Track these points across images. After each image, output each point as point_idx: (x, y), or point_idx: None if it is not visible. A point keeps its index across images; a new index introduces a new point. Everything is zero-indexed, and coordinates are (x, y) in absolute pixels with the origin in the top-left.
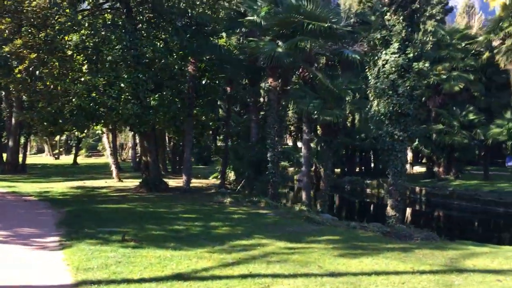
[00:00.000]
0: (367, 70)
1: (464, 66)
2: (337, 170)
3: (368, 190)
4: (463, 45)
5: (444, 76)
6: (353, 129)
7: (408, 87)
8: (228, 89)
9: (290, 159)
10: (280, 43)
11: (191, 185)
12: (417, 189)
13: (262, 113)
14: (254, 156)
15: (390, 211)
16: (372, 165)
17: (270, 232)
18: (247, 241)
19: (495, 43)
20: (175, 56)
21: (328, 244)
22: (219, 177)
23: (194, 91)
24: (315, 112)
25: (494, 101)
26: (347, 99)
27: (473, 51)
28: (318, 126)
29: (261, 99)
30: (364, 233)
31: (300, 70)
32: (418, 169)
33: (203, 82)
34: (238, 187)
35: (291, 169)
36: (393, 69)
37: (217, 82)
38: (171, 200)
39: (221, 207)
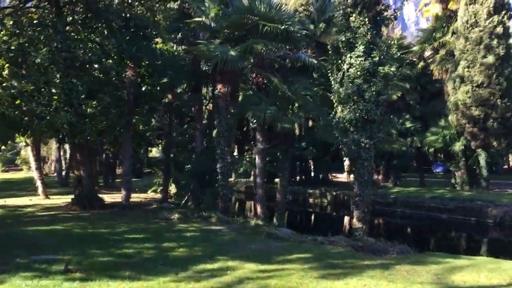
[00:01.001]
0: (329, 75)
1: (400, 75)
2: (277, 180)
3: (311, 200)
4: (399, 54)
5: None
6: (293, 137)
7: (374, 92)
8: (170, 96)
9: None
10: (231, 46)
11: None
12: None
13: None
14: (199, 168)
15: (356, 223)
16: (312, 174)
17: (232, 252)
18: (212, 264)
19: (427, 53)
20: (112, 60)
21: (302, 263)
22: (158, 190)
23: (134, 98)
24: (272, 119)
25: (428, 109)
26: (304, 105)
27: (408, 60)
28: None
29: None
30: (334, 248)
31: (254, 75)
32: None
33: (143, 88)
34: (183, 201)
35: (231, 179)
36: (359, 73)
37: (157, 88)
38: (110, 219)
39: (169, 225)
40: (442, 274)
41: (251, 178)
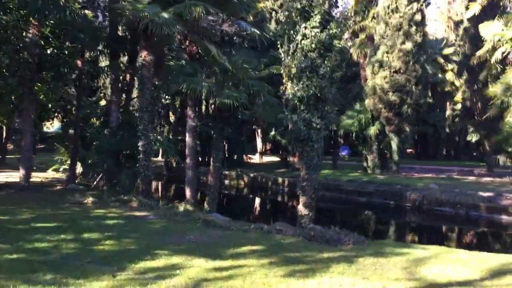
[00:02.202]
0: (278, 46)
1: None
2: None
3: (227, 182)
4: None
5: None
6: (231, 114)
7: (328, 68)
8: (79, 62)
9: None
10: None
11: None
12: (280, 179)
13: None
14: (115, 145)
15: (303, 209)
16: (227, 155)
17: (171, 244)
18: (154, 261)
19: (346, 36)
20: (11, 15)
21: (258, 258)
22: (61, 170)
23: (37, 61)
24: (210, 93)
25: (344, 92)
26: (245, 80)
27: None
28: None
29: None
30: (284, 238)
31: (187, 43)
32: (267, 159)
33: (49, 51)
34: (94, 183)
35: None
36: (313, 46)
37: (66, 52)
38: (9, 202)
39: (83, 210)
40: (409, 268)
41: (160, 157)
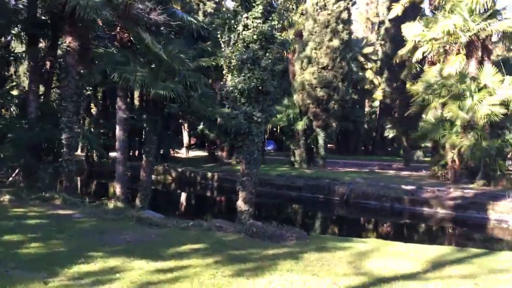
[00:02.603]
0: (218, 36)
1: None
2: (113, 154)
3: (154, 177)
4: None
5: None
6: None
7: (270, 61)
8: None
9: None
10: None
11: None
12: (209, 174)
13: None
14: (34, 138)
15: (242, 205)
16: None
17: (105, 244)
18: (88, 264)
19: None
20: None
21: (202, 257)
22: None
23: None
24: (144, 84)
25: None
26: (182, 70)
27: None
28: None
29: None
30: (226, 235)
31: (118, 30)
32: (194, 153)
33: None
34: (9, 179)
35: None
36: (255, 37)
37: None
38: None
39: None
40: (354, 262)
41: (79, 152)
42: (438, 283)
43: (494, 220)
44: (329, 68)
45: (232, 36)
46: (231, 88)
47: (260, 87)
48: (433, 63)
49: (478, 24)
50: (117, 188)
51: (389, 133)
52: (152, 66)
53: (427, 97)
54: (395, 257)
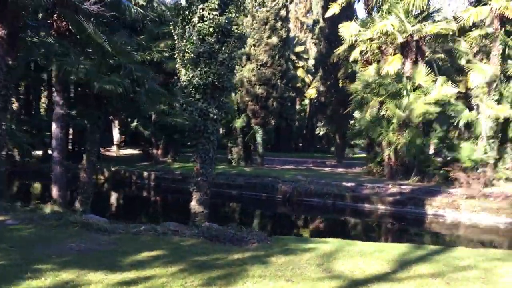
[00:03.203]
0: (171, 27)
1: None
2: (39, 153)
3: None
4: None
5: (167, 54)
6: (108, 102)
7: (227, 55)
8: None
9: None
10: None
11: None
12: (145, 173)
13: None
14: None
15: (196, 207)
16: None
17: (52, 255)
18: (38, 279)
19: None
20: None
21: (165, 266)
22: None
23: None
24: (87, 78)
25: None
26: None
27: None
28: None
29: None
30: (184, 240)
31: (55, 18)
32: (125, 151)
33: None
34: None
35: None
36: (211, 29)
37: None
38: None
39: None
40: (324, 264)
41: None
42: (411, 283)
43: (431, 214)
44: (268, 65)
45: (186, 28)
46: (184, 83)
47: (216, 83)
48: (368, 63)
49: (413, 25)
50: (54, 190)
51: (320, 131)
52: (92, 58)
53: (365, 96)
54: (361, 257)
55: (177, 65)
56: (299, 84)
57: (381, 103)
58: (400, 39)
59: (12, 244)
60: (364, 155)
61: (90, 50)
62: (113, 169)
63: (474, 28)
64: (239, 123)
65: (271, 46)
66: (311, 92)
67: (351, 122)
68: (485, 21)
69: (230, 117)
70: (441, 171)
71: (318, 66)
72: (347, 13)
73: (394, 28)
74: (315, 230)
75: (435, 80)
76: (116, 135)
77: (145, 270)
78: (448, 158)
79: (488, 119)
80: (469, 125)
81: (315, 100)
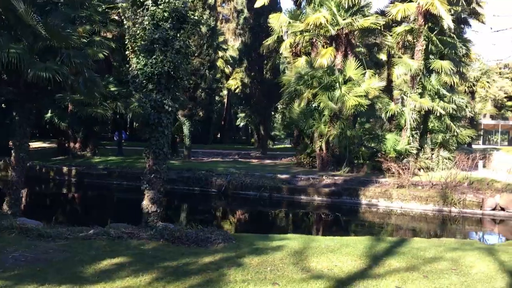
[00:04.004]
0: (88, 12)
1: (105, 31)
2: None
3: None
4: (104, 8)
5: (85, 40)
6: (42, 91)
7: (183, 42)
8: None
9: None
10: None
11: None
12: (65, 169)
13: None
14: None
15: (150, 206)
16: None
17: (0, 268)
18: None
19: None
20: None
21: (135, 275)
22: None
23: None
24: (19, 63)
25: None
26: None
27: (113, 17)
28: None
29: None
30: (143, 243)
31: None
32: (36, 144)
33: None
34: None
35: None
36: (166, 14)
37: None
38: None
39: None
40: (299, 263)
41: None
42: (392, 278)
43: (365, 204)
44: (196, 55)
45: (138, 12)
46: (136, 72)
47: (172, 72)
48: (297, 55)
49: (344, 19)
50: None
51: (241, 122)
52: (25, 42)
53: (298, 88)
54: (331, 253)
55: (127, 52)
56: (218, 75)
57: (314, 95)
58: (332, 32)
59: None
60: (281, 146)
61: (15, 33)
62: (27, 164)
63: (395, 24)
64: None
65: (199, 35)
66: (232, 83)
67: (274, 114)
68: (410, 17)
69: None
70: (369, 162)
71: (242, 57)
72: (271, 3)
73: (327, 21)
74: (262, 224)
75: (364, 73)
76: None
77: (115, 281)
78: (374, 149)
79: (412, 111)
80: (391, 117)
81: (239, 92)
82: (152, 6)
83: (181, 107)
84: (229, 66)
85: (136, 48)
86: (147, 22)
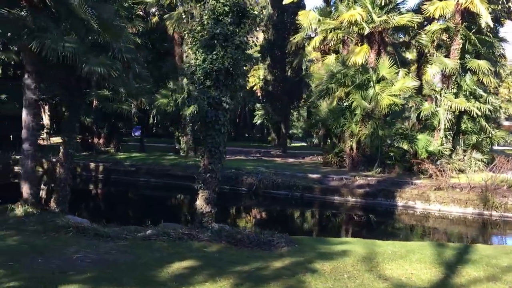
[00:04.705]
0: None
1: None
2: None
3: (17, 169)
4: (130, 3)
5: None
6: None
7: (244, 38)
8: None
9: None
10: None
11: None
12: (92, 165)
13: None
14: None
15: (204, 206)
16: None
17: (65, 270)
18: None
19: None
20: None
21: (214, 280)
22: None
23: None
24: (75, 58)
25: (156, 69)
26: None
27: (139, 12)
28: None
29: None
30: (205, 246)
31: None
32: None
33: None
34: None
35: None
36: (227, 8)
37: None
38: None
39: None
40: (373, 270)
41: None
42: None
43: (401, 206)
44: None
45: (197, 6)
46: (194, 68)
47: (231, 69)
48: (326, 53)
49: (380, 16)
50: (24, 188)
51: (258, 120)
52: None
53: (330, 86)
54: (401, 260)
55: (186, 47)
56: None
57: (347, 94)
58: (367, 30)
59: (5, 258)
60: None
61: (68, 27)
62: (54, 160)
63: (426, 23)
64: (189, 111)
65: None
66: (250, 80)
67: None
68: (446, 15)
69: (179, 104)
70: (400, 163)
71: (266, 54)
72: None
73: (362, 19)
74: (304, 225)
75: (397, 72)
76: (46, 121)
77: (194, 286)
78: (406, 150)
79: (447, 111)
80: (419, 117)
81: (261, 89)
82: (212, 0)
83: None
84: (246, 64)
85: (196, 43)
86: (206, 17)
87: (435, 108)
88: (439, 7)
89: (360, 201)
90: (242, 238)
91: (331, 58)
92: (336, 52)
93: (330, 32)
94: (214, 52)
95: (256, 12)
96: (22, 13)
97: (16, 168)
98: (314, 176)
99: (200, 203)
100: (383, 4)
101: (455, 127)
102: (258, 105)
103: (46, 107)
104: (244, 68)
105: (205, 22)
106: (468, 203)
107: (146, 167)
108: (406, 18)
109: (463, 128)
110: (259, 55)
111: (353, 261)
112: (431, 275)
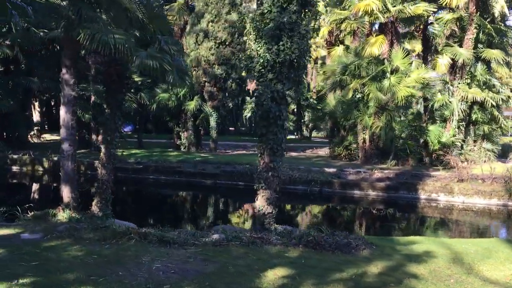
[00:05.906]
0: None
1: None
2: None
3: (16, 168)
4: None
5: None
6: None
7: (309, 27)
8: None
9: None
10: None
11: None
12: (97, 163)
13: None
14: None
15: (265, 207)
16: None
17: (164, 283)
18: None
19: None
20: None
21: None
22: None
23: None
24: (127, 51)
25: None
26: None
27: None
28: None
29: None
30: (283, 250)
31: None
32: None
33: None
34: None
35: None
36: None
37: None
38: None
39: None
40: (471, 273)
41: None
42: None
43: (424, 199)
44: (227, 43)
45: None
46: (257, 59)
47: (294, 60)
48: (332, 44)
49: (395, 6)
50: (64, 191)
51: (248, 113)
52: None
53: (344, 78)
54: (491, 260)
55: (245, 38)
56: None
57: (361, 86)
58: (382, 19)
59: (83, 272)
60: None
61: (107, 17)
62: (55, 158)
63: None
64: (192, 105)
65: (230, 22)
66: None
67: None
68: (459, 5)
69: (181, 98)
70: (413, 155)
71: None
72: None
73: (378, 8)
74: (335, 221)
75: (411, 63)
76: (36, 118)
77: None
78: (421, 141)
79: (460, 101)
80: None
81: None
82: None
83: (210, 98)
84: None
85: (260, 33)
86: (268, 5)
87: (449, 98)
88: None
89: (381, 195)
90: (320, 241)
91: (338, 50)
92: (342, 43)
93: (342, 22)
94: (281, 43)
95: (318, 1)
96: (62, 3)
97: (15, 168)
98: (331, 170)
99: (260, 203)
100: None
101: (467, 117)
102: (248, 98)
103: (36, 104)
104: (306, 59)
105: (265, 11)
106: (493, 195)
107: (154, 165)
108: (422, 7)
109: (474, 119)
110: None
111: (444, 264)
112: None
